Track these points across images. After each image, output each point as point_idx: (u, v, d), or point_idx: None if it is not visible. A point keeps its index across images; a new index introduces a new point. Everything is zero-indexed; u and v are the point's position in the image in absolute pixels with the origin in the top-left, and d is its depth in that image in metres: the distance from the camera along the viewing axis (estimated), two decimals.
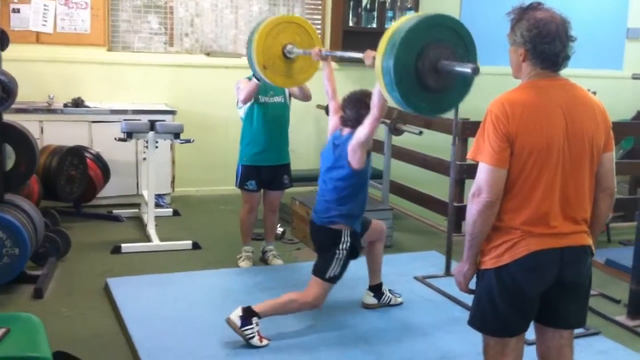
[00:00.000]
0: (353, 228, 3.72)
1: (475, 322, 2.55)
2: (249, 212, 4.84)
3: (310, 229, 3.89)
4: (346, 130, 3.69)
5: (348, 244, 3.68)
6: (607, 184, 2.52)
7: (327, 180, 3.73)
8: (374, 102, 3.35)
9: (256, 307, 3.65)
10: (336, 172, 3.68)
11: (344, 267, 3.71)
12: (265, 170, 4.73)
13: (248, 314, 3.62)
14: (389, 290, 4.21)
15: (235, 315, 3.62)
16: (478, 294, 2.53)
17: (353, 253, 3.73)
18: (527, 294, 2.42)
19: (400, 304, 4.20)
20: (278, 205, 4.96)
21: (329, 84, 3.93)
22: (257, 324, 3.62)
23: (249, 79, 4.56)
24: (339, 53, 4.61)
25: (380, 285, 4.17)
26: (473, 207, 2.38)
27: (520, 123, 2.32)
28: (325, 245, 3.73)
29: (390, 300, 4.17)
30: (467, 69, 2.76)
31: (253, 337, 3.60)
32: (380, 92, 3.10)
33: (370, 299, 4.16)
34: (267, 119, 4.67)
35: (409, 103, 2.93)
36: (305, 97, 4.71)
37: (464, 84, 3.00)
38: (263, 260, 4.98)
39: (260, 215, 5.01)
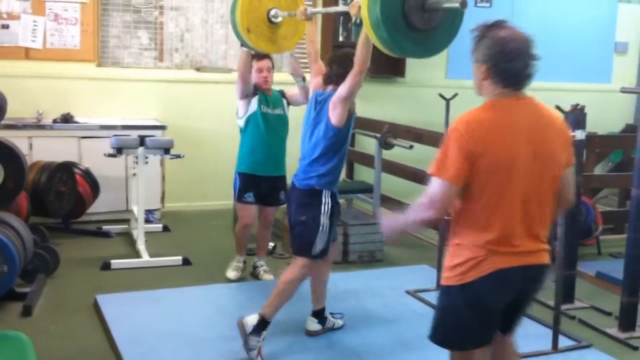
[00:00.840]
0: (332, 191, 3.70)
1: (438, 337, 2.57)
2: (245, 227, 4.82)
3: (290, 194, 3.84)
4: (330, 87, 3.69)
5: (329, 206, 3.66)
6: (567, 197, 2.59)
7: (307, 139, 3.72)
8: (357, 55, 3.37)
9: (264, 309, 3.66)
10: (317, 130, 3.67)
11: (329, 236, 3.69)
12: (263, 181, 4.69)
13: (262, 326, 3.61)
14: (330, 313, 4.06)
15: (251, 321, 3.61)
16: (442, 310, 2.55)
17: (333, 217, 3.69)
18: (492, 309, 2.47)
19: (342, 326, 4.05)
20: (272, 221, 4.94)
21: (311, 45, 3.97)
22: (263, 339, 3.61)
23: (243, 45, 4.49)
24: (324, 10, 4.57)
25: (323, 309, 4.01)
26: (418, 215, 2.41)
27: (485, 142, 2.33)
28: (305, 203, 3.68)
29: (334, 325, 4.03)
30: (455, 3, 2.73)
31: (254, 349, 3.58)
32: (363, 44, 3.08)
33: (314, 325, 3.98)
34: (268, 129, 4.66)
35: (395, 43, 2.89)
36: (307, 95, 4.67)
37: (452, 22, 2.97)
38: (254, 275, 4.96)
39: (254, 230, 4.98)
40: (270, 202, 4.80)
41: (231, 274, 4.87)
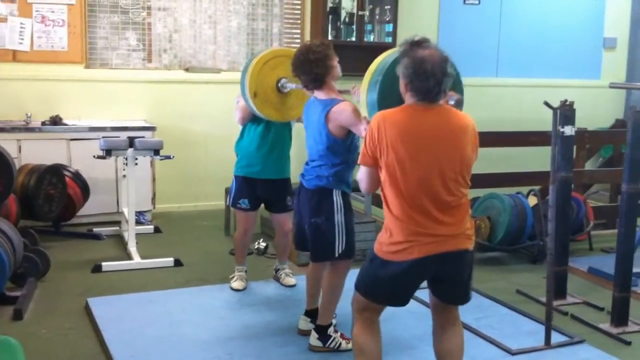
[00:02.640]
0: (342, 190, 3.67)
1: (360, 287, 2.99)
2: (244, 234, 4.67)
3: (299, 195, 3.78)
4: (315, 92, 3.68)
5: (341, 204, 3.63)
6: None
7: (313, 144, 3.67)
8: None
9: (320, 320, 3.72)
10: (320, 137, 3.60)
11: (349, 234, 3.66)
12: (261, 184, 4.52)
13: (323, 330, 3.70)
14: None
15: (314, 339, 3.73)
16: (366, 267, 2.96)
17: (348, 214, 3.67)
18: (403, 286, 2.89)
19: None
20: (290, 229, 4.52)
21: None
22: (335, 331, 3.72)
23: None
24: None
25: (317, 310, 3.89)
26: (360, 187, 2.95)
27: (388, 137, 2.71)
28: (316, 203, 3.64)
29: (339, 345, 3.84)
30: (450, 101, 2.95)
31: (340, 344, 3.72)
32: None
33: (308, 324, 3.92)
34: (267, 129, 4.48)
35: None
36: None
37: None
38: (275, 278, 4.86)
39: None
40: (277, 209, 4.62)
41: (235, 284, 4.68)
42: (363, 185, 2.92)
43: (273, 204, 4.63)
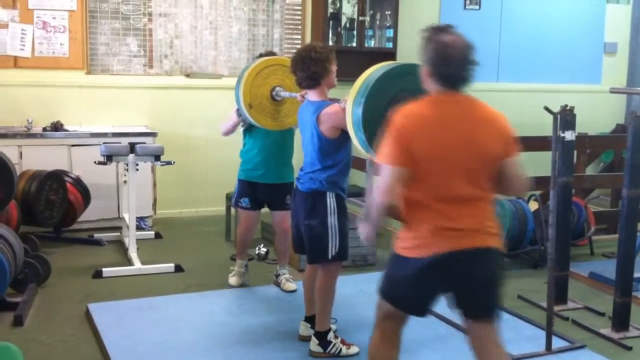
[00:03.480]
0: (337, 192, 3.67)
1: (384, 293, 2.84)
2: (246, 231, 4.79)
3: (294, 197, 3.81)
4: (307, 91, 3.69)
5: (334, 206, 3.63)
6: (515, 188, 2.83)
7: (308, 149, 3.70)
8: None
9: (317, 326, 3.72)
10: (313, 140, 3.63)
11: (342, 237, 3.66)
12: (262, 188, 4.63)
13: (322, 336, 3.70)
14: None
15: (314, 345, 3.73)
16: (388, 270, 2.83)
17: (342, 218, 3.67)
18: (425, 285, 2.72)
19: (356, 354, 3.87)
20: (288, 228, 4.57)
21: None
22: (335, 337, 3.71)
23: (239, 113, 4.53)
24: None
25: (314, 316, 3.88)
26: (376, 201, 2.65)
27: (418, 134, 2.60)
28: (310, 206, 3.65)
29: (340, 351, 3.79)
30: None
31: (340, 349, 3.70)
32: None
33: (308, 330, 3.92)
34: (266, 135, 4.55)
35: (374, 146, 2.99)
36: None
37: None
38: (276, 283, 4.87)
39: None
40: (277, 207, 4.70)
41: (232, 279, 4.82)
42: (385, 192, 2.63)
43: (272, 204, 4.74)
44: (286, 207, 4.62)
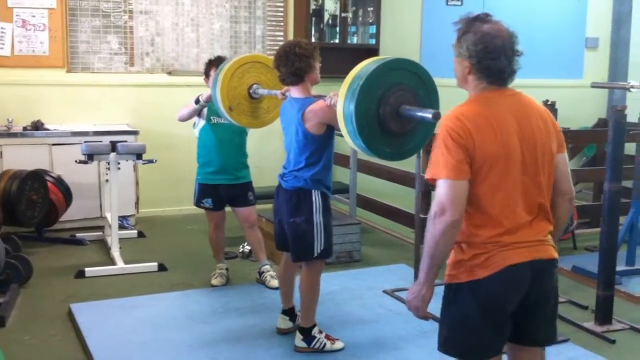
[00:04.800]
0: (322, 190, 3.66)
1: (448, 346, 2.43)
2: (215, 230, 4.80)
3: (277, 196, 3.78)
4: (290, 88, 3.67)
5: (320, 204, 3.63)
6: (565, 188, 2.49)
7: (291, 147, 3.67)
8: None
9: (302, 322, 3.73)
10: (297, 138, 3.60)
11: (328, 234, 3.66)
12: (223, 188, 4.67)
13: (307, 332, 3.70)
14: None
15: (298, 341, 3.72)
16: (448, 314, 2.41)
17: (327, 215, 3.67)
18: (505, 309, 2.34)
19: (341, 348, 3.81)
20: (255, 221, 4.83)
21: None
22: (319, 332, 3.72)
23: (196, 101, 4.56)
24: None
25: (292, 309, 3.99)
26: (436, 228, 2.25)
27: (477, 135, 2.28)
28: (295, 204, 3.63)
29: (324, 346, 3.76)
30: (427, 114, 2.80)
31: (324, 344, 3.70)
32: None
33: (287, 323, 3.97)
34: (220, 139, 4.63)
35: (373, 149, 2.99)
36: None
37: (426, 127, 3.04)
38: (260, 281, 4.84)
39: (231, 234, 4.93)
40: (239, 204, 4.75)
41: (215, 281, 4.80)
42: (454, 209, 2.24)
43: (235, 201, 4.76)
44: (249, 203, 4.74)
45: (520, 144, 2.33)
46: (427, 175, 2.35)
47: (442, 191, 2.26)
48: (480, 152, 2.28)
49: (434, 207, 2.27)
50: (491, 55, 2.31)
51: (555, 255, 2.42)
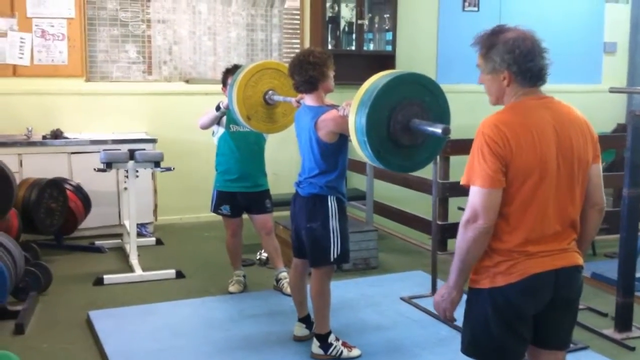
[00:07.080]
0: (337, 196, 3.67)
1: (470, 349, 2.44)
2: (232, 236, 4.82)
3: (294, 203, 3.80)
4: (304, 96, 3.68)
5: (336, 209, 3.64)
6: (596, 199, 2.47)
7: (305, 155, 3.69)
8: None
9: (317, 329, 3.74)
10: (312, 146, 3.62)
11: (344, 239, 3.66)
12: (241, 195, 4.69)
13: (323, 339, 3.70)
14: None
15: (315, 348, 3.73)
16: (471, 318, 2.43)
17: (343, 220, 3.67)
18: (522, 316, 2.36)
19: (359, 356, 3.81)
20: (271, 228, 4.85)
21: None
22: (336, 339, 3.72)
23: (217, 108, 4.59)
24: None
25: (308, 316, 3.99)
26: (468, 234, 2.28)
27: (515, 144, 2.27)
28: (311, 209, 3.65)
29: (340, 353, 3.76)
30: (437, 129, 2.78)
31: (341, 352, 3.70)
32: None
33: (303, 330, 3.98)
34: (239, 148, 4.65)
35: (382, 160, 2.97)
36: None
37: (436, 142, 3.03)
38: (277, 288, 4.84)
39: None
40: (255, 211, 4.77)
41: (232, 288, 4.82)
42: (487, 216, 2.26)
43: (251, 208, 4.78)
44: (267, 210, 4.75)
45: (557, 155, 2.31)
46: (462, 182, 2.35)
47: (475, 198, 2.28)
48: (517, 163, 2.27)
49: (467, 213, 2.30)
50: (529, 57, 2.33)
51: (580, 261, 2.42)
